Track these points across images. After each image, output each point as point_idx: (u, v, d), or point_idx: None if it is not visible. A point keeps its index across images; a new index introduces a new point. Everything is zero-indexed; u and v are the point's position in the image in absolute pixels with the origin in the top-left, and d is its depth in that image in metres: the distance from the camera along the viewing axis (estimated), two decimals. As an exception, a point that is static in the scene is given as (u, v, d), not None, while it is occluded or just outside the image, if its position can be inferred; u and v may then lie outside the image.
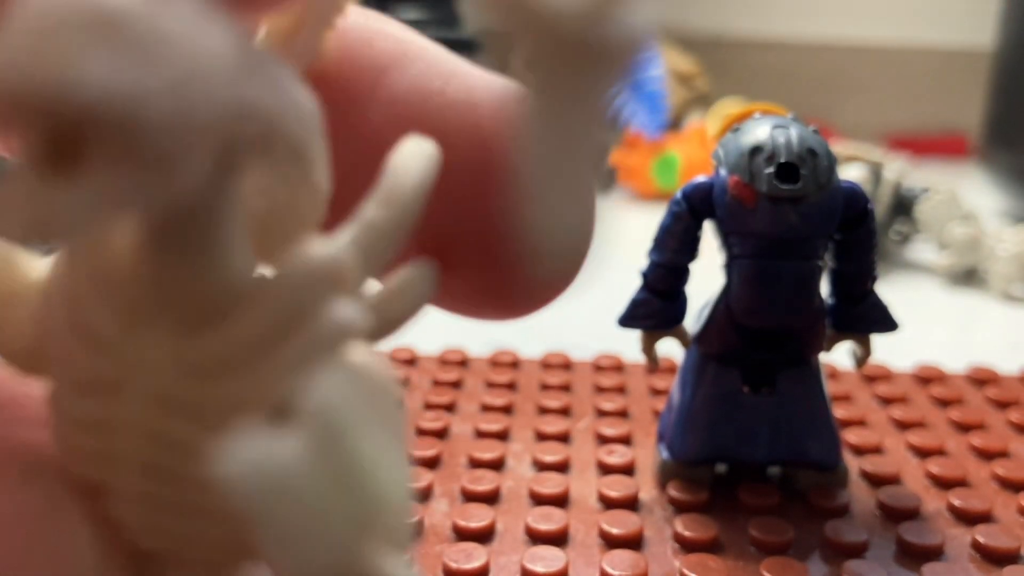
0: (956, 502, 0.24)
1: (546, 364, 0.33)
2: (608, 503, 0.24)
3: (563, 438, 0.28)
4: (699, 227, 0.24)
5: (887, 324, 0.25)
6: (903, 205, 0.49)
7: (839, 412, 0.29)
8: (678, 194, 0.24)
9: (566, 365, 0.33)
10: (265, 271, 0.10)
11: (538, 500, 0.24)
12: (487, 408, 0.30)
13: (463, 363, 0.33)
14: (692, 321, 0.25)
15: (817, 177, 0.22)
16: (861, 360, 0.25)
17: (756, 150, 0.22)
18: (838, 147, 0.49)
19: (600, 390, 0.31)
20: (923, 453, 0.27)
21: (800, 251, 0.23)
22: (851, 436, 0.28)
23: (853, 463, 0.26)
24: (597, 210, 0.12)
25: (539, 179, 0.09)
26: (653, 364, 0.26)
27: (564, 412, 0.29)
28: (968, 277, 0.48)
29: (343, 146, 0.11)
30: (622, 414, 0.29)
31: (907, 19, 0.84)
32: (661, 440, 0.26)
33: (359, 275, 0.10)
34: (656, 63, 0.72)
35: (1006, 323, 0.43)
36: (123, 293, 0.09)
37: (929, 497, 0.25)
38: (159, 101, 0.07)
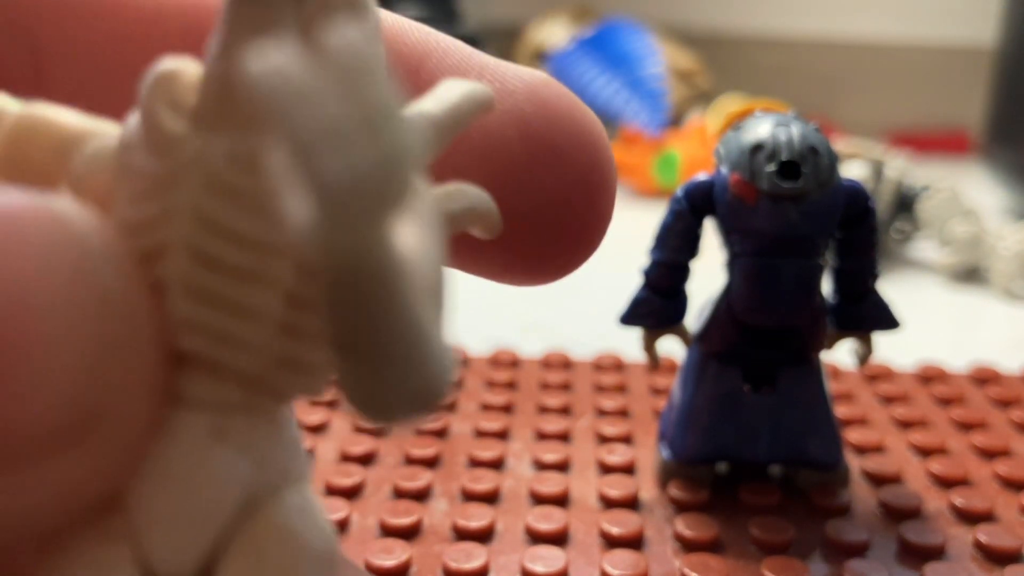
0: (958, 501, 0.24)
1: (546, 363, 0.33)
2: (608, 503, 0.24)
3: (563, 437, 0.28)
4: (700, 225, 0.24)
5: (888, 322, 0.25)
6: (905, 203, 0.49)
7: (840, 411, 0.29)
8: (679, 192, 0.24)
9: (566, 364, 0.33)
10: None
11: (538, 500, 0.24)
12: (487, 407, 0.29)
13: (463, 362, 0.33)
14: (693, 319, 0.25)
15: (818, 175, 0.22)
16: (862, 359, 0.25)
17: (757, 148, 0.22)
18: (839, 144, 0.49)
19: (600, 389, 0.31)
20: (925, 452, 0.27)
21: (801, 249, 0.23)
22: (852, 435, 0.28)
23: (854, 462, 0.26)
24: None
25: None
26: (654, 363, 0.26)
27: (564, 411, 0.29)
28: (970, 275, 0.47)
29: None
30: (622, 413, 0.29)
31: (908, 16, 0.84)
32: (662, 439, 0.26)
33: (422, 145, 0.10)
34: (657, 60, 0.71)
35: (1008, 321, 0.42)
36: (193, 104, 0.11)
37: (931, 496, 0.25)
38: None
